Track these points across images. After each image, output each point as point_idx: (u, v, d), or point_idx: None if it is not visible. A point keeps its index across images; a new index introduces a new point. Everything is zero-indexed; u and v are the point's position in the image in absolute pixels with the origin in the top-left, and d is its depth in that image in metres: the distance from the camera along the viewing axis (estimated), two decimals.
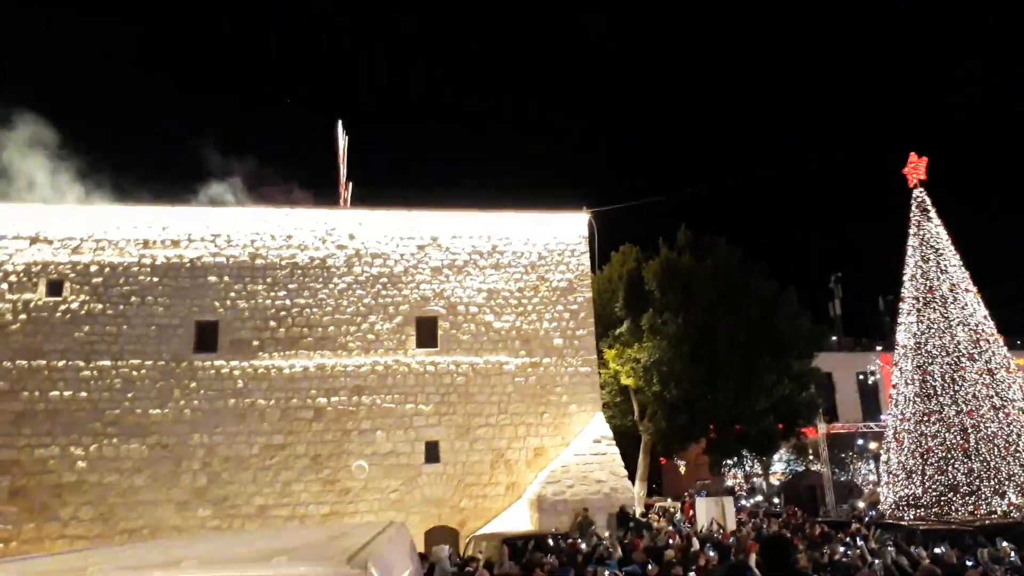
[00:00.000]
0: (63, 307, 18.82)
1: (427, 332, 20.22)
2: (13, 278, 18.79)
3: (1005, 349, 20.53)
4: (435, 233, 21.01)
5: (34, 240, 19.11)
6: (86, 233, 19.36)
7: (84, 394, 18.34)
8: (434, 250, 20.83)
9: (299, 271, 20.01)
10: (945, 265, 21.01)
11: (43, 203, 20.18)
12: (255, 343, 19.29)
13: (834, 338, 38.56)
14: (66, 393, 18.28)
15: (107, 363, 18.59)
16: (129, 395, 18.50)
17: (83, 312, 18.85)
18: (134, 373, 18.64)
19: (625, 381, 23.80)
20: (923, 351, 20.58)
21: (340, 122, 26.77)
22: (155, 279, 19.34)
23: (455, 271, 20.78)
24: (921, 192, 22.19)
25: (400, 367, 19.69)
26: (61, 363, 18.43)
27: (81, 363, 18.50)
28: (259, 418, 18.81)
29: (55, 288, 18.95)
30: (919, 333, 20.81)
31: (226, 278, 19.63)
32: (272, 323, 19.51)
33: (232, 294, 19.54)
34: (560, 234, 21.72)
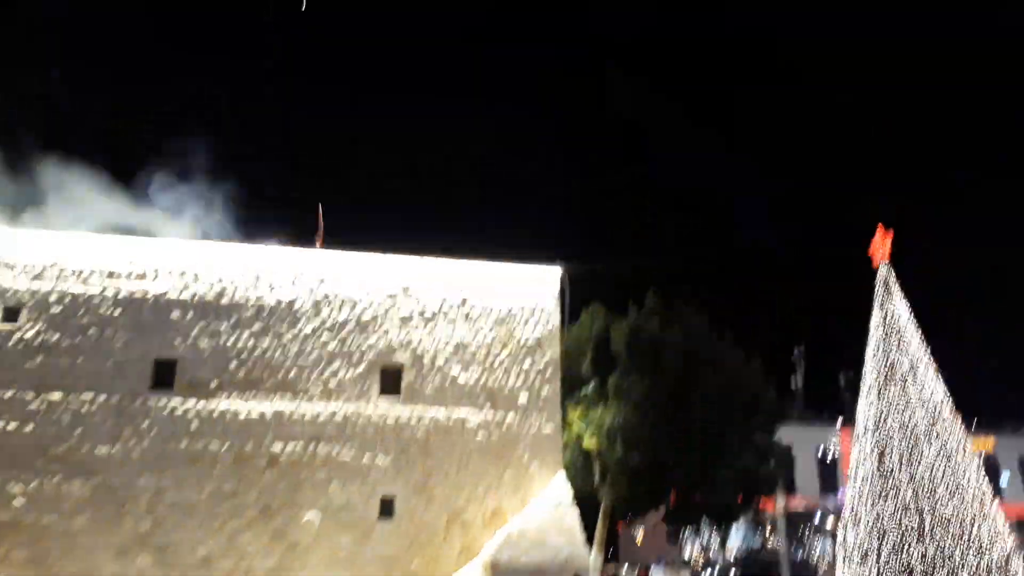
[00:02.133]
0: (17, 335, 18.26)
1: (391, 382, 19.92)
2: None
3: (963, 431, 20.78)
4: (407, 282, 20.89)
5: None
6: (50, 260, 18.93)
7: (29, 428, 17.66)
8: (405, 299, 20.69)
9: (266, 312, 19.70)
10: (906, 345, 21.39)
11: (7, 225, 19.76)
12: (213, 384, 18.83)
13: (796, 411, 38.87)
14: (10, 426, 17.59)
15: (57, 397, 17.98)
16: (77, 431, 17.85)
17: (38, 342, 18.30)
18: (85, 409, 18.03)
19: (588, 444, 23.65)
20: (882, 429, 20.75)
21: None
22: (117, 312, 18.89)
23: (424, 321, 20.63)
24: (886, 269, 22.71)
25: (360, 417, 19.32)
26: (8, 394, 17.79)
27: (30, 395, 17.87)
28: (211, 463, 18.23)
29: (11, 315, 18.41)
30: (879, 411, 21.02)
31: (190, 315, 19.25)
32: (233, 364, 19.09)
33: (195, 332, 19.14)
34: (532, 289, 21.73)
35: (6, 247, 18.81)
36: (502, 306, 21.30)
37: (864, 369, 21.94)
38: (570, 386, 23.70)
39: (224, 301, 19.54)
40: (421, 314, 20.66)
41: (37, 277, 18.77)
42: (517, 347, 21.03)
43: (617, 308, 26.36)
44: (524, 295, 21.57)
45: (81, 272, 19.04)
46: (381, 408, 19.50)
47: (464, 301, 21.12)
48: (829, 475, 36.36)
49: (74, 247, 19.20)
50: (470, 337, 20.78)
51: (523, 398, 20.51)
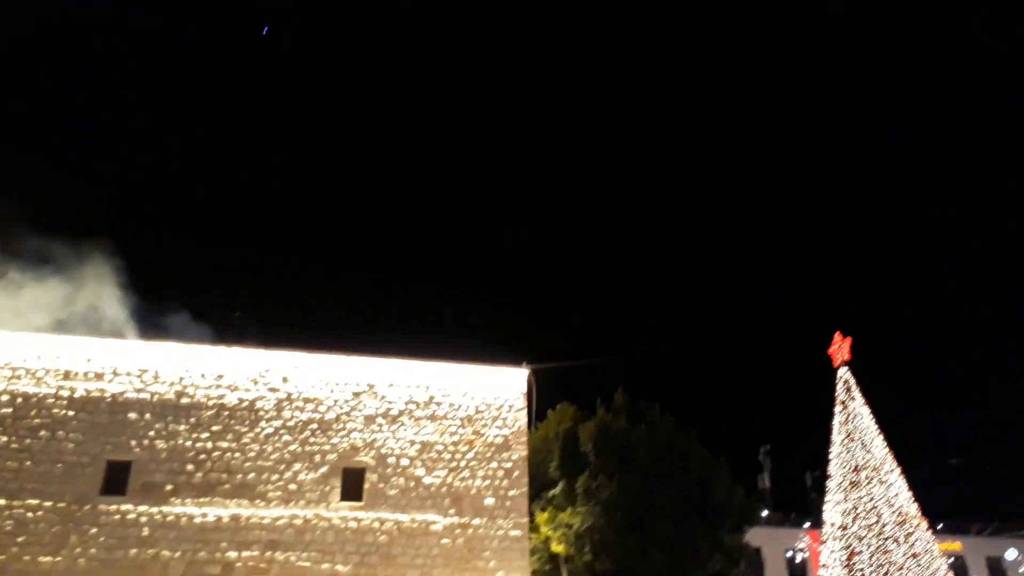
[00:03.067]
0: None
1: (353, 485, 19.41)
2: None
3: (929, 533, 20.78)
4: (372, 380, 20.73)
5: None
6: (4, 361, 18.46)
7: None
8: (369, 397, 20.46)
9: (226, 412, 19.29)
10: (869, 445, 21.61)
11: None
12: (168, 487, 18.16)
13: (764, 512, 38.49)
14: None
15: (1, 502, 17.14)
16: (20, 539, 16.94)
17: None
18: (29, 515, 17.18)
19: (556, 548, 23.03)
20: (850, 532, 20.67)
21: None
22: (71, 413, 18.33)
23: (389, 420, 20.34)
24: (846, 371, 23.16)
25: (320, 522, 18.68)
26: None
27: None
28: (161, 571, 17.34)
29: None
30: (846, 513, 20.99)
31: (147, 416, 18.75)
32: (190, 467, 18.49)
33: (152, 433, 18.60)
34: (499, 388, 21.67)
35: None
36: (469, 405, 21.15)
37: (829, 469, 22.05)
38: (538, 487, 23.29)
39: (184, 401, 19.12)
40: (386, 413, 20.40)
41: None
42: (484, 447, 20.76)
43: (585, 407, 26.31)
44: (491, 394, 21.49)
45: (35, 372, 18.57)
46: (342, 512, 18.91)
47: (431, 399, 20.95)
48: None
49: (30, 347, 18.79)
50: (436, 436, 20.49)
51: (490, 500, 20.09)
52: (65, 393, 18.52)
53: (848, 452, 21.84)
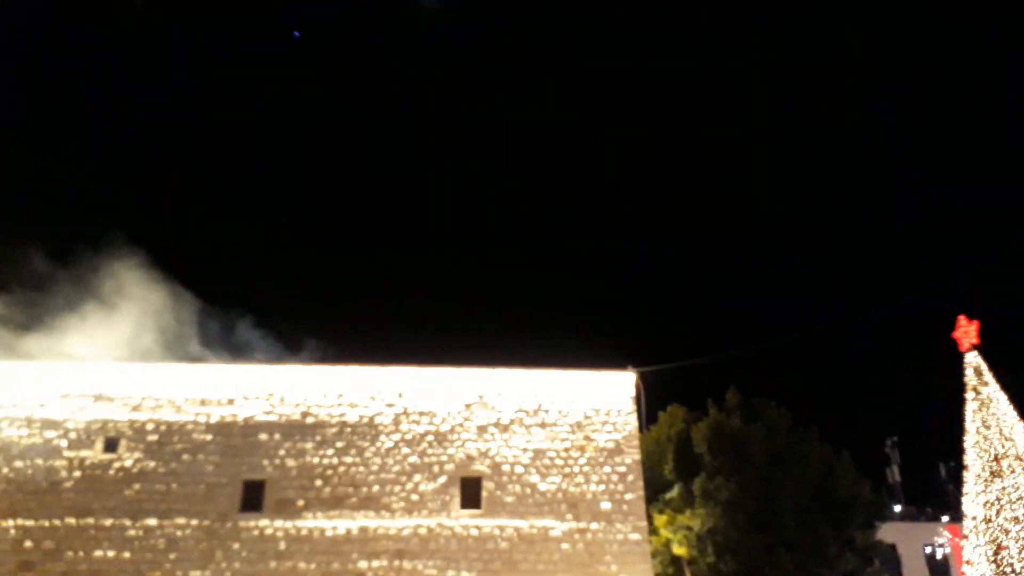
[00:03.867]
0: (116, 464, 19.17)
1: (471, 493, 19.89)
2: (73, 435, 19.34)
3: None
4: (481, 391, 21.21)
5: (98, 398, 19.83)
6: (147, 391, 20.04)
7: (127, 554, 18.23)
8: (480, 408, 20.94)
9: (348, 428, 20.21)
10: (1009, 432, 20.24)
11: (112, 361, 21.09)
12: (300, 503, 19.19)
13: (897, 507, 36.55)
14: (110, 553, 18.20)
15: (153, 522, 18.60)
16: (172, 556, 18.31)
17: (136, 470, 19.14)
18: (178, 533, 18.55)
19: (678, 551, 22.75)
20: (995, 525, 19.40)
21: None
22: (208, 437, 19.70)
23: (500, 429, 20.74)
24: (975, 356, 21.80)
25: (443, 531, 19.24)
26: (108, 522, 18.50)
27: (128, 522, 18.54)
28: None
29: (111, 446, 19.39)
30: (988, 505, 19.72)
31: (276, 436, 19.90)
32: (318, 482, 19.48)
33: (282, 452, 19.72)
34: (606, 393, 21.69)
35: (108, 381, 20.03)
36: (578, 411, 21.27)
37: (966, 460, 20.78)
38: (653, 490, 23.11)
39: (309, 420, 20.17)
40: (498, 422, 20.81)
41: (136, 408, 19.83)
42: (596, 452, 20.82)
43: (696, 407, 25.92)
44: (599, 399, 21.53)
45: (175, 401, 20.05)
46: (463, 520, 19.41)
47: (539, 407, 21.21)
48: (940, 574, 33.67)
49: (169, 377, 20.31)
50: (547, 443, 20.72)
51: (606, 504, 20.11)
52: (202, 419, 19.91)
53: (986, 441, 20.52)
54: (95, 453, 19.23)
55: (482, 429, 20.67)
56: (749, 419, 24.48)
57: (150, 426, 19.69)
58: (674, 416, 25.85)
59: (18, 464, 18.88)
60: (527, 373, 21.65)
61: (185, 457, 19.44)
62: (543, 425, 20.97)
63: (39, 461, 18.96)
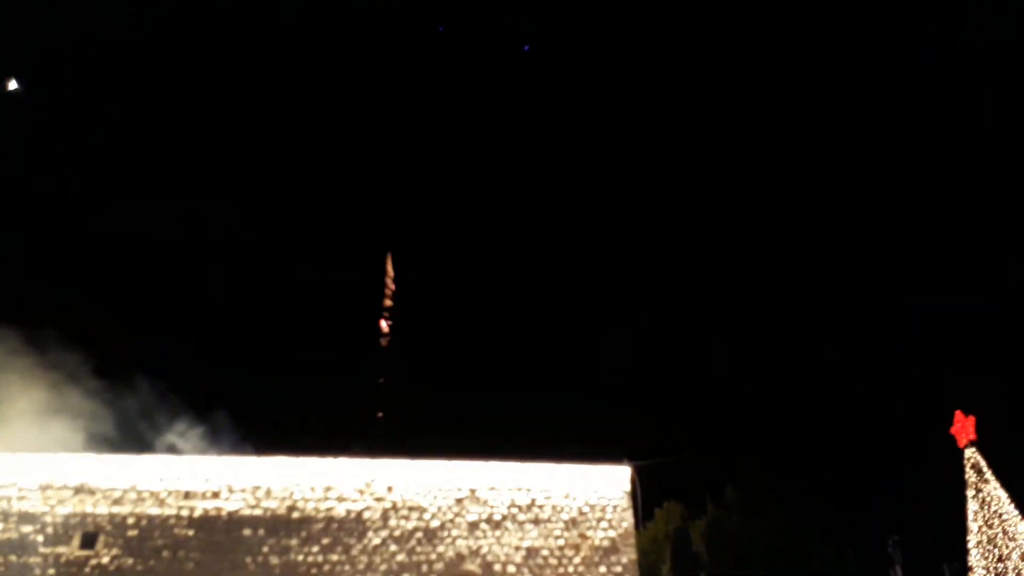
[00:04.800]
0: (93, 561, 18.45)
1: None
2: (50, 530, 18.71)
3: None
4: (473, 484, 20.72)
5: (78, 490, 19.30)
6: (129, 483, 19.53)
7: None
8: (472, 503, 20.41)
9: (335, 524, 19.61)
10: (1013, 531, 19.75)
11: (93, 453, 20.63)
12: None
13: None
14: None
15: None
16: None
17: (112, 567, 18.41)
18: None
19: None
20: None
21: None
22: (191, 532, 19.06)
23: (492, 526, 20.14)
24: (973, 452, 21.53)
25: None
26: None
27: None
28: None
29: (89, 541, 18.72)
30: None
31: (261, 531, 19.27)
32: None
33: (265, 548, 19.05)
34: (601, 487, 21.20)
35: (90, 473, 19.54)
36: (572, 507, 20.73)
37: (970, 560, 20.20)
38: None
39: (295, 515, 19.59)
40: (490, 518, 20.23)
41: (117, 502, 19.28)
42: (591, 550, 20.16)
43: (694, 503, 25.33)
44: (594, 494, 21.03)
45: (159, 494, 19.52)
46: None
47: (532, 502, 20.68)
48: None
49: (153, 469, 19.83)
50: (541, 541, 20.09)
51: None
52: (185, 513, 19.33)
53: (989, 542, 20.01)
54: (71, 549, 18.55)
55: (473, 526, 20.08)
56: (749, 516, 23.88)
57: (131, 520, 19.08)
58: (671, 513, 25.22)
59: None
60: (520, 466, 21.22)
61: (165, 554, 18.76)
62: (537, 521, 20.39)
63: (12, 557, 18.26)
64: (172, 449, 21.44)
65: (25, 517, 18.77)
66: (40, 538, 18.57)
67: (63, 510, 18.98)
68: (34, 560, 18.29)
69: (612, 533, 20.50)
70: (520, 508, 20.54)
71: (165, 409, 22.28)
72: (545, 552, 19.97)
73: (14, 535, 18.53)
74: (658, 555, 23.58)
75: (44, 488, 19.17)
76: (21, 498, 18.99)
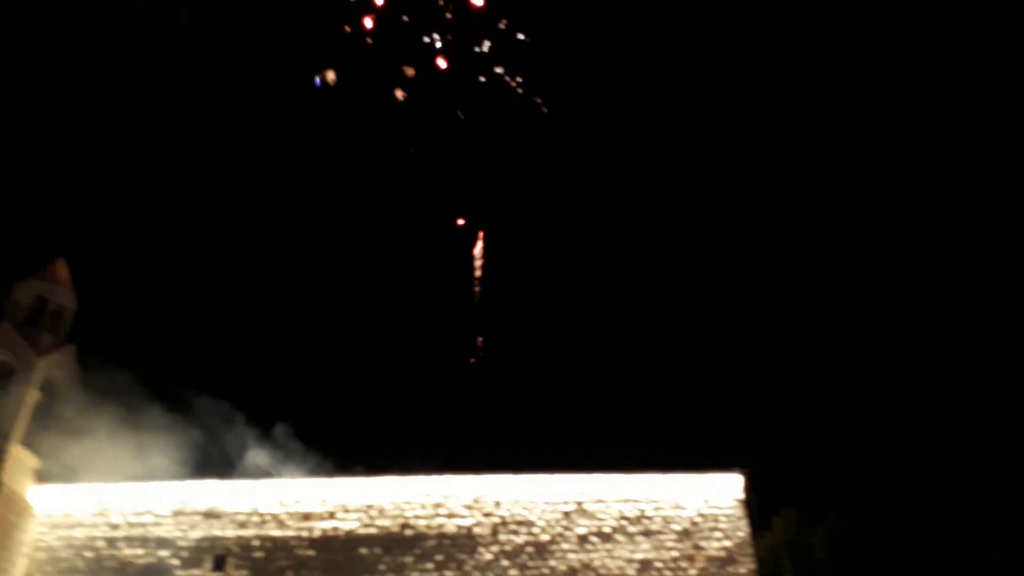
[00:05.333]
0: None
1: None
2: (184, 554, 19.85)
3: None
4: (580, 497, 20.59)
5: (207, 515, 20.40)
6: (251, 507, 20.50)
7: None
8: (580, 516, 20.28)
9: (447, 540, 19.91)
10: None
11: (219, 479, 21.74)
12: None
13: None
14: None
15: None
16: None
17: None
18: None
19: None
20: None
21: None
22: (311, 552, 19.80)
23: (603, 539, 19.93)
24: None
25: None
26: None
27: None
28: None
29: (219, 563, 19.75)
30: None
31: (376, 549, 19.80)
32: None
33: (382, 566, 19.55)
34: (713, 496, 20.60)
35: (217, 498, 20.63)
36: (683, 517, 20.24)
37: None
38: None
39: (408, 532, 20.02)
40: (599, 531, 20.04)
41: (242, 526, 20.26)
42: (706, 561, 19.61)
43: (812, 509, 24.23)
44: (705, 504, 20.46)
45: (279, 516, 20.39)
46: None
47: (642, 514, 20.35)
48: None
49: (272, 492, 20.73)
50: (654, 553, 19.71)
51: None
52: (305, 534, 20.10)
53: None
54: (204, 572, 19.61)
55: (583, 539, 19.93)
56: (871, 522, 22.64)
57: (255, 543, 20.00)
58: (789, 520, 24.22)
59: None
60: (627, 477, 20.91)
61: (289, 574, 19.54)
62: (648, 533, 20.04)
63: None
64: (287, 472, 22.30)
65: (162, 542, 20.01)
66: (176, 561, 19.73)
67: (194, 534, 20.10)
68: None
69: (727, 543, 19.88)
70: (629, 520, 20.25)
71: (277, 433, 23.30)
72: (659, 564, 19.58)
73: (153, 560, 19.77)
74: (777, 565, 22.65)
75: (176, 514, 20.38)
76: (156, 524, 20.26)
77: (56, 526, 20.33)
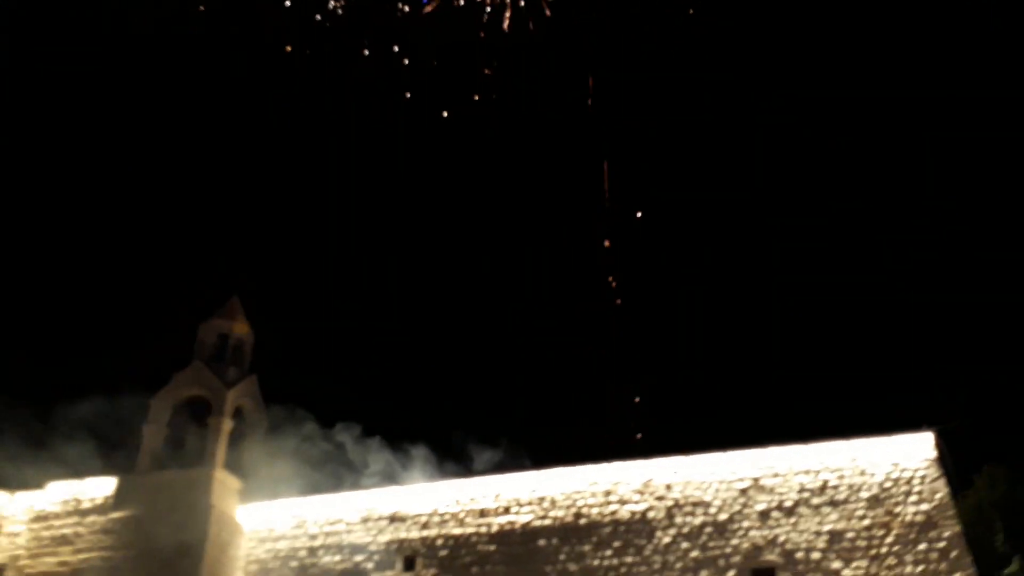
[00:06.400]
0: None
1: None
2: (377, 557, 21.08)
3: None
4: (755, 474, 19.87)
5: (392, 519, 21.56)
6: (432, 508, 21.43)
7: None
8: (757, 492, 19.57)
9: (622, 527, 19.87)
10: None
11: (400, 484, 22.94)
12: None
13: None
14: None
15: None
16: None
17: None
18: None
19: None
20: None
21: None
22: (492, 547, 20.42)
23: (785, 513, 19.11)
24: None
25: None
26: None
27: None
28: None
29: (409, 564, 20.82)
30: None
31: (554, 541, 20.09)
32: None
33: (562, 557, 19.81)
34: (900, 459, 19.19)
35: (400, 502, 21.74)
36: (870, 483, 19.00)
37: None
38: (986, 567, 19.59)
39: (582, 522, 20.17)
40: (780, 506, 19.23)
41: (424, 526, 21.23)
42: (904, 528, 18.30)
43: (1018, 463, 22.03)
44: (894, 468, 19.10)
45: (458, 514, 21.17)
46: None
47: (825, 484, 19.32)
48: None
49: (449, 492, 21.57)
50: (843, 523, 18.65)
51: None
52: (484, 530, 20.75)
53: None
54: (396, 573, 20.72)
55: (764, 515, 19.21)
56: None
57: (439, 542, 20.89)
58: (994, 477, 22.13)
59: None
60: (804, 448, 19.93)
61: (475, 570, 20.24)
62: (834, 503, 19.00)
63: None
64: (459, 472, 23.13)
65: (355, 548, 21.36)
66: (370, 565, 21.00)
67: (383, 538, 21.31)
68: None
69: (925, 506, 18.45)
70: (812, 492, 19.29)
71: (452, 434, 24.27)
72: (850, 534, 18.51)
73: (349, 565, 21.16)
74: (986, 526, 20.73)
75: (364, 520, 21.70)
76: (348, 531, 21.66)
77: (263, 540, 22.24)
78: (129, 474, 22.92)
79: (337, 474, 23.39)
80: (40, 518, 22.74)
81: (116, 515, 21.82)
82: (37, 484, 23.38)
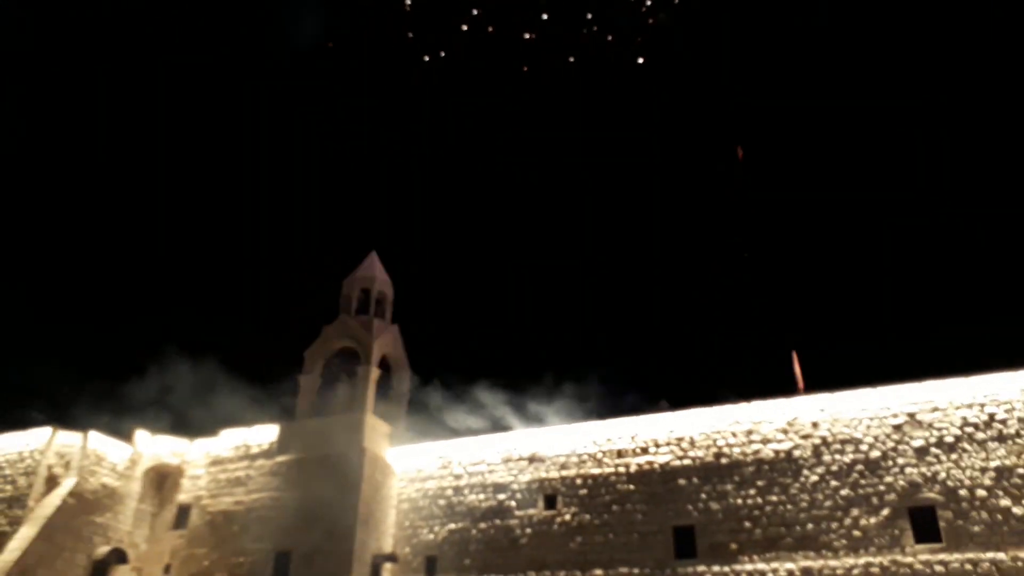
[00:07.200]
0: (558, 520, 20.95)
1: (925, 525, 17.38)
2: (519, 495, 21.74)
3: None
4: (910, 409, 18.77)
5: (531, 460, 22.12)
6: (570, 449, 21.79)
7: None
8: (913, 427, 18.49)
9: (765, 466, 19.39)
10: None
11: (540, 427, 23.46)
12: (733, 546, 18.73)
13: None
14: None
15: (599, 572, 19.75)
16: None
17: (575, 523, 20.69)
18: None
19: None
20: None
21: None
22: (631, 487, 20.54)
23: (945, 449, 17.97)
24: None
25: (899, 569, 17.01)
26: (561, 573, 20.15)
27: (578, 573, 19.97)
28: None
29: (550, 502, 21.33)
30: None
31: (695, 480, 19.93)
32: (747, 524, 18.87)
33: (703, 496, 19.64)
34: None
35: (538, 444, 22.25)
36: None
37: None
38: None
39: (723, 461, 19.85)
40: (940, 442, 18.09)
41: (563, 467, 21.62)
42: None
43: None
44: None
45: (596, 455, 21.40)
46: (922, 555, 16.96)
47: (991, 418, 17.96)
48: None
49: (587, 435, 21.82)
50: (1013, 459, 17.31)
51: None
52: (622, 470, 20.88)
53: None
54: (539, 511, 21.30)
55: (922, 451, 18.15)
56: None
57: (579, 481, 21.25)
58: None
59: (483, 525, 21.78)
60: (966, 381, 18.62)
61: (615, 508, 20.47)
62: (1001, 438, 17.66)
63: (497, 521, 21.64)
64: (600, 414, 23.30)
65: (498, 487, 22.13)
66: (513, 503, 21.70)
67: (524, 478, 21.92)
68: (512, 522, 21.43)
69: None
70: (976, 426, 18.01)
71: (579, 380, 24.47)
72: (1021, 470, 17.17)
73: (493, 503, 21.96)
74: None
75: (506, 461, 22.39)
76: (491, 471, 22.45)
77: (412, 480, 23.48)
78: (289, 421, 24.79)
79: (478, 417, 24.29)
80: (216, 462, 25.07)
81: (281, 459, 23.69)
82: (212, 431, 25.79)
